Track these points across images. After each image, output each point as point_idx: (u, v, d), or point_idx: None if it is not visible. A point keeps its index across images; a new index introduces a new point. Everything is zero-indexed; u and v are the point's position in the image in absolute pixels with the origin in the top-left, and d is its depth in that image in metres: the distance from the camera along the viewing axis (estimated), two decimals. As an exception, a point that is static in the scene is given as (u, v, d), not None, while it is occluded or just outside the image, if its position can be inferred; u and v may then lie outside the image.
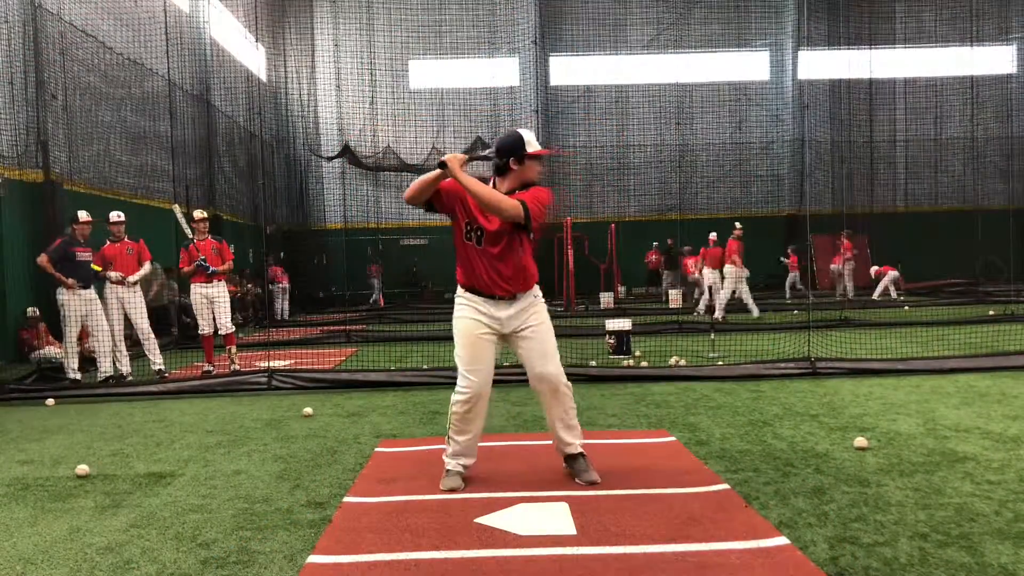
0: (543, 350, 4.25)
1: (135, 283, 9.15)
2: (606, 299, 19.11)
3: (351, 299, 20.67)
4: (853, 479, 4.28)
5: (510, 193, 4.16)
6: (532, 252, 4.37)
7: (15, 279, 10.96)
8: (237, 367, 9.20)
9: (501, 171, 4.24)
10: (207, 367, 9.27)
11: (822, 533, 3.49)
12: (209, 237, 9.54)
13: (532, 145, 4.20)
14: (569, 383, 4.32)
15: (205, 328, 9.39)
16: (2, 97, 10.96)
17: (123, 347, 9.17)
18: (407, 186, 4.31)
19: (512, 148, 4.19)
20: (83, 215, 9.05)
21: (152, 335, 9.28)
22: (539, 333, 4.25)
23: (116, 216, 9.33)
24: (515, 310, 4.22)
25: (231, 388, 8.01)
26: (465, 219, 4.22)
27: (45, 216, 11.34)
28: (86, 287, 8.85)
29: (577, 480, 4.34)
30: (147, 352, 9.21)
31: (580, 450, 4.40)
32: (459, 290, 4.33)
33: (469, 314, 4.24)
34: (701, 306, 16.44)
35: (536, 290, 4.36)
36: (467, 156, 4.15)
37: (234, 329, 9.69)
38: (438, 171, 4.09)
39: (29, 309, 10.73)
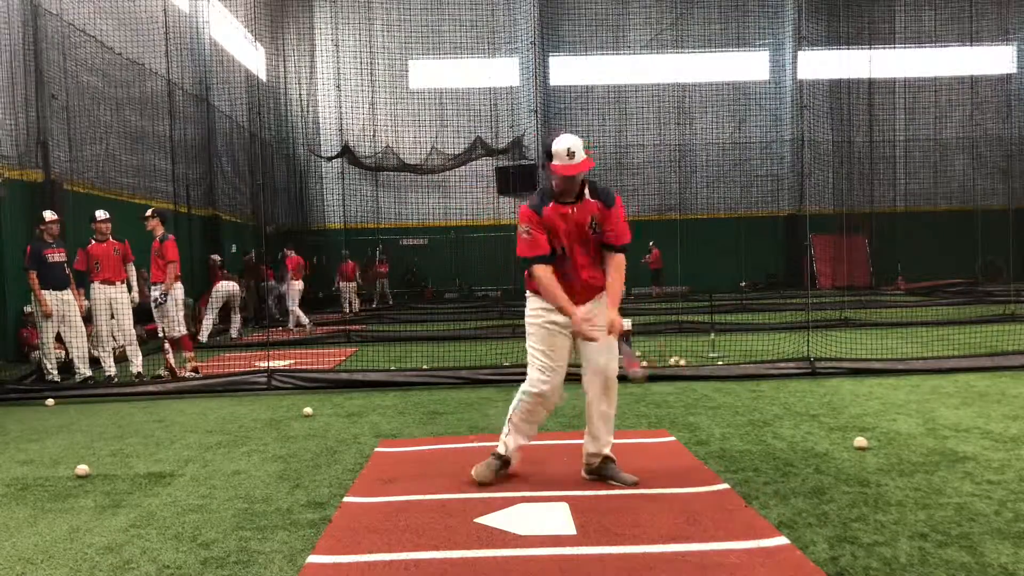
0: (607, 344, 4.27)
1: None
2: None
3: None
4: (853, 479, 4.28)
5: (573, 197, 4.22)
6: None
7: (15, 279, 10.96)
8: (185, 374, 8.85)
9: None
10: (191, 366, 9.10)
11: (822, 533, 3.49)
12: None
13: (558, 157, 4.15)
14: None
15: (183, 329, 9.15)
16: (2, 97, 10.96)
17: (110, 348, 9.07)
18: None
19: (546, 152, 4.27)
20: (48, 215, 8.88)
21: (135, 337, 9.17)
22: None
23: (102, 215, 9.17)
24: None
25: (231, 388, 8.01)
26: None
27: (38, 217, 11.32)
28: (59, 288, 8.68)
29: (613, 482, 4.31)
30: (128, 354, 9.11)
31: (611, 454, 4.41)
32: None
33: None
34: None
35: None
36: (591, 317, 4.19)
37: (185, 333, 9.27)
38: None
39: (27, 308, 10.73)
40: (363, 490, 4.33)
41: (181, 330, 9.11)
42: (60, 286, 8.72)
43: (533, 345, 4.32)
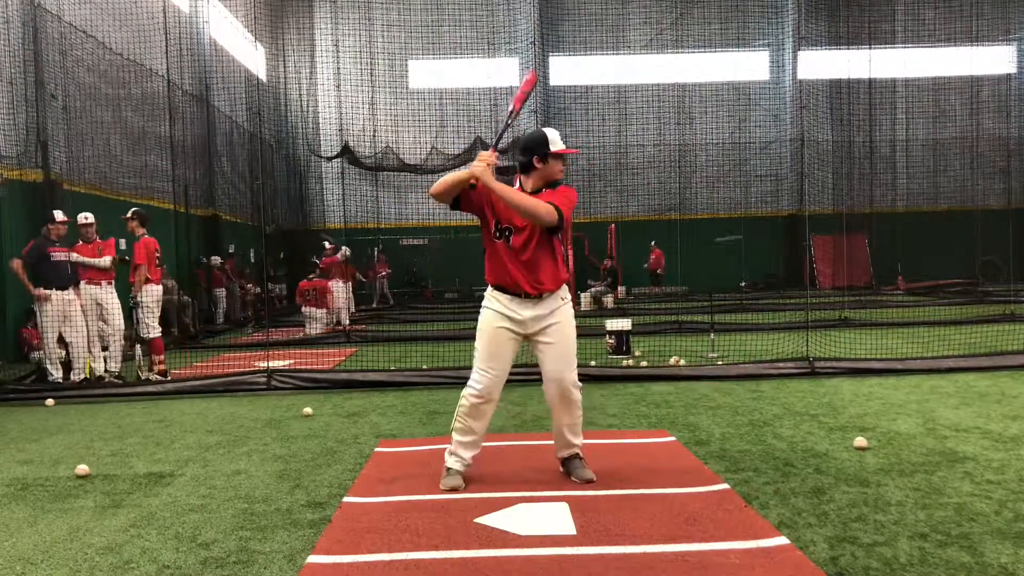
0: (561, 354, 4.22)
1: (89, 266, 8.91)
2: (607, 299, 19.11)
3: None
4: (853, 479, 4.28)
5: (535, 192, 4.20)
6: (563, 252, 4.39)
7: (15, 279, 10.94)
8: (150, 377, 8.76)
9: (525, 169, 4.27)
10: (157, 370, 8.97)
11: (822, 533, 3.49)
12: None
13: (556, 144, 4.22)
14: (581, 389, 4.30)
15: (155, 332, 9.02)
16: (2, 97, 10.96)
17: (99, 347, 8.93)
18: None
19: (536, 146, 4.22)
20: (59, 215, 8.91)
21: (120, 339, 9.07)
22: (560, 337, 4.22)
23: (83, 218, 9.09)
24: (540, 311, 4.20)
25: (231, 388, 8.01)
26: (494, 219, 4.23)
27: (45, 216, 11.33)
28: (62, 287, 8.68)
29: (573, 478, 4.35)
30: (109, 351, 9.01)
31: (579, 452, 4.43)
32: (488, 288, 4.32)
33: (494, 311, 4.25)
34: None
35: (564, 291, 4.32)
36: (496, 158, 4.15)
37: (159, 333, 9.16)
38: (467, 176, 4.10)
39: (34, 306, 10.72)
40: (363, 490, 4.32)
41: (153, 332, 8.96)
42: (63, 285, 8.73)
43: (479, 345, 4.26)
